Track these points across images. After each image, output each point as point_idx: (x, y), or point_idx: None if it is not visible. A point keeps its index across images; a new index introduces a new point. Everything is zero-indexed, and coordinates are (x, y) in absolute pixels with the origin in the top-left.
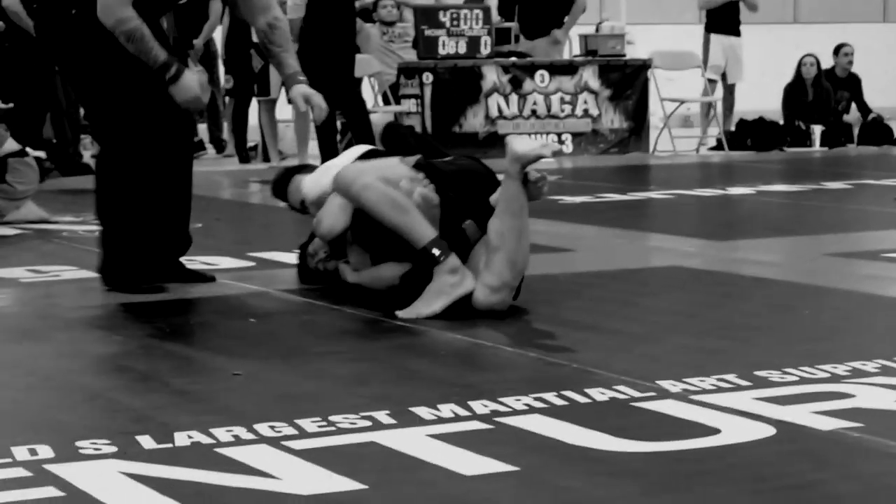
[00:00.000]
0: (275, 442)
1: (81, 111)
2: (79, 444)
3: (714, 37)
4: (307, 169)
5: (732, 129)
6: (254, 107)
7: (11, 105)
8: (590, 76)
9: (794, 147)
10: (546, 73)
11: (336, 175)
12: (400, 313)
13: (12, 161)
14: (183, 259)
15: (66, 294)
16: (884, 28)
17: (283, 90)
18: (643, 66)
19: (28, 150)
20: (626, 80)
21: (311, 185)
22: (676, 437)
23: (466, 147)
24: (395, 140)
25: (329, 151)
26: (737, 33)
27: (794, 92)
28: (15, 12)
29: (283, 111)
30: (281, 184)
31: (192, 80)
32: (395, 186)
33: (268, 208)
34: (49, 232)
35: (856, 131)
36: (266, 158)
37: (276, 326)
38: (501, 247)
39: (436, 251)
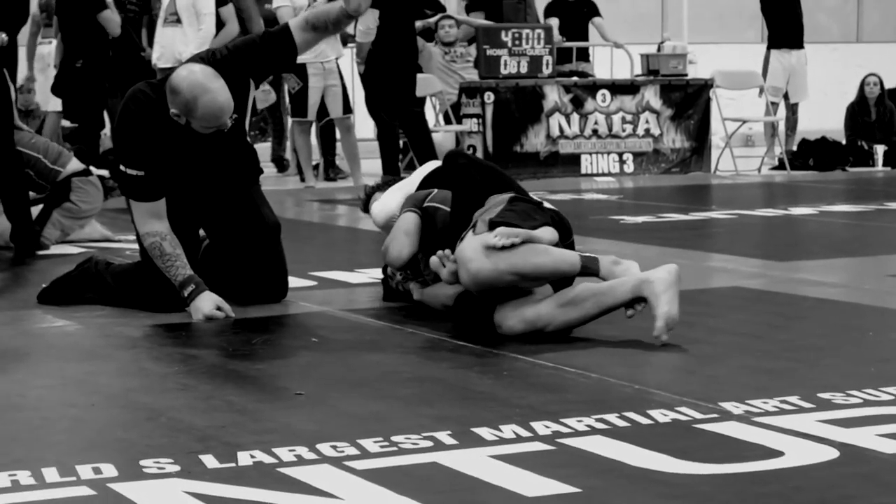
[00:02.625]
0: (337, 462)
1: None
2: (143, 462)
3: (775, 54)
4: (386, 186)
5: (794, 148)
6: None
7: (77, 125)
8: (651, 96)
9: (857, 167)
10: (607, 93)
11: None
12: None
13: (76, 180)
14: None
15: (129, 313)
16: None
17: (317, 111)
18: (705, 86)
19: (92, 168)
20: (688, 100)
21: (378, 210)
22: (739, 460)
23: (528, 166)
24: (455, 172)
25: (391, 170)
26: (800, 45)
27: (857, 111)
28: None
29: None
30: (366, 201)
31: (203, 304)
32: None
33: (329, 227)
34: (112, 250)
35: None
36: (302, 178)
37: (338, 346)
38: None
39: (587, 262)
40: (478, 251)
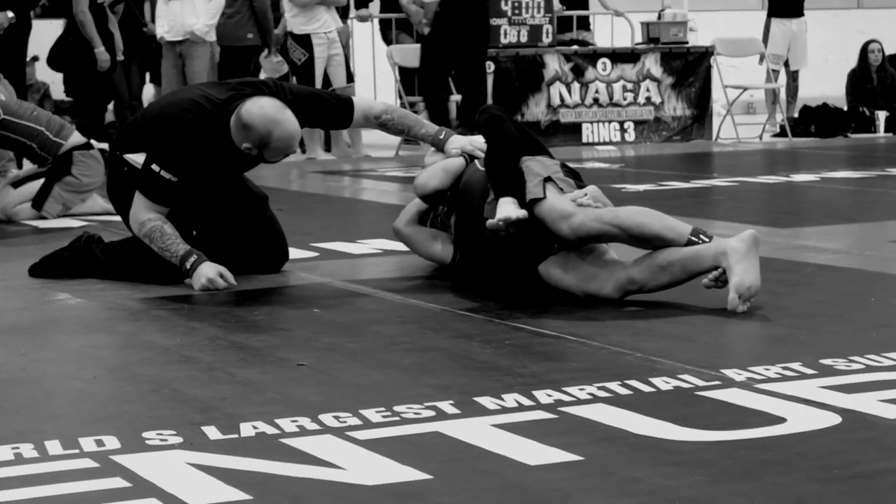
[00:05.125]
0: (339, 432)
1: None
2: (145, 434)
3: (775, 22)
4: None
5: (796, 115)
6: None
7: (74, 99)
8: (652, 64)
9: (859, 133)
10: (608, 61)
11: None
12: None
13: (77, 154)
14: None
15: (130, 286)
16: None
17: (324, 80)
18: (706, 54)
19: (93, 142)
20: (689, 68)
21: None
22: (742, 426)
23: None
24: (496, 126)
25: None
26: (800, 14)
27: (859, 78)
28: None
29: None
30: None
31: (206, 270)
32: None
33: (331, 199)
34: (113, 224)
35: None
36: (304, 150)
37: (339, 317)
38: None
39: (696, 236)
40: (574, 205)
